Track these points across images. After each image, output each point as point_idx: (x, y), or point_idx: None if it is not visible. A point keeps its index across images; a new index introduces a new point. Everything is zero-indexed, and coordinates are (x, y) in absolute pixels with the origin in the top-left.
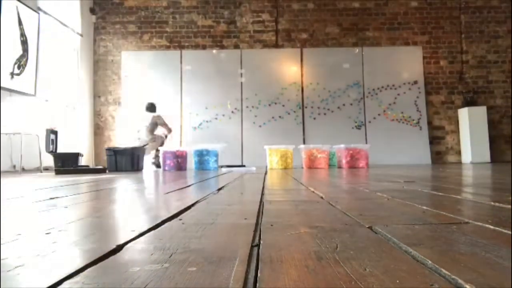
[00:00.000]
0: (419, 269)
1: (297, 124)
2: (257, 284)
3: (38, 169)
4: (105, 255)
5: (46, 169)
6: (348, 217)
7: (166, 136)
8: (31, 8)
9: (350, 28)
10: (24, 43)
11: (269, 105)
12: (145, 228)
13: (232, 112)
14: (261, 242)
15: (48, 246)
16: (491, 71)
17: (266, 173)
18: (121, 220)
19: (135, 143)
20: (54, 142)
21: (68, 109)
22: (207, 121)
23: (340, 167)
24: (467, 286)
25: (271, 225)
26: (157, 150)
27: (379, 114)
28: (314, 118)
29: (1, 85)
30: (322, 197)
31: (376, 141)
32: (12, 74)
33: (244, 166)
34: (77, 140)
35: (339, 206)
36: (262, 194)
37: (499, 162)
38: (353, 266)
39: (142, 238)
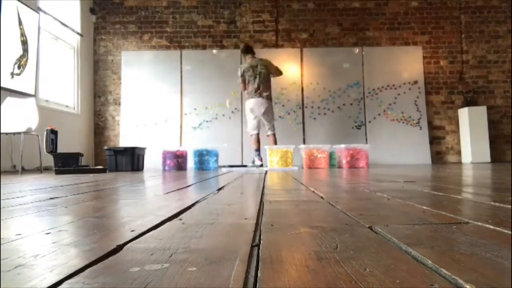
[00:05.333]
0: (419, 269)
1: (297, 124)
2: (257, 284)
3: (38, 169)
4: (105, 255)
5: (46, 169)
6: (348, 217)
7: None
8: (31, 8)
9: (350, 28)
10: (24, 43)
11: None
12: (145, 228)
13: (232, 112)
14: (261, 242)
15: (48, 246)
16: (491, 71)
17: (266, 173)
18: (121, 220)
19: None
20: (54, 142)
21: (68, 109)
22: (207, 121)
23: (340, 167)
24: (467, 286)
25: (271, 225)
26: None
27: (379, 114)
28: (314, 118)
29: (1, 85)
30: (322, 197)
31: (376, 141)
32: (12, 74)
33: (244, 166)
34: (77, 140)
35: (339, 206)
36: (262, 194)
37: (499, 162)
38: (353, 266)
39: (142, 238)
